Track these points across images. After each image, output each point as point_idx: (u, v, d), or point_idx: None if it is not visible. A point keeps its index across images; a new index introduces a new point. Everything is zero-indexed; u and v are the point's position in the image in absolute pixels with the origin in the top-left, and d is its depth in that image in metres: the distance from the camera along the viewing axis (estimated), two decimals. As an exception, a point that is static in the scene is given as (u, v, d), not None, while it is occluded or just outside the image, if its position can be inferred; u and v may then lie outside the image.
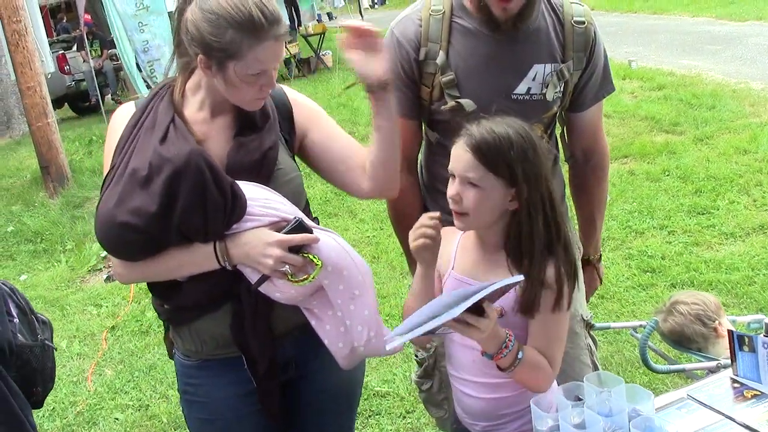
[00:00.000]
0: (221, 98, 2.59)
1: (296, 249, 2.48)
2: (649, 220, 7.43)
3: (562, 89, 3.05)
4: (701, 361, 3.72)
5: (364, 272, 2.60)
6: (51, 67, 16.94)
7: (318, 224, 2.77)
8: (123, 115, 2.69)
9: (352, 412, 3.13)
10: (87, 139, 13.77)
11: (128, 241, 2.46)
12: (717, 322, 3.81)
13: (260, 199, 2.53)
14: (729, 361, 2.78)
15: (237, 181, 2.49)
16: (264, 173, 2.61)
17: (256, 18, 2.39)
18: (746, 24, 15.55)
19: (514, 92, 2.98)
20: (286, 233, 2.49)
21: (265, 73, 2.50)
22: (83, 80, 19.03)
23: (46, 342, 3.08)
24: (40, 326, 3.09)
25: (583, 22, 3.03)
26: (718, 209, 7.47)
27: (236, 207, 2.47)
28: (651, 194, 7.89)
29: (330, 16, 25.86)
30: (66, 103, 20.60)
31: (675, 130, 9.68)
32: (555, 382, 2.57)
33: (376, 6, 32.78)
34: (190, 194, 2.40)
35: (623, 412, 2.21)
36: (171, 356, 2.95)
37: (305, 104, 2.88)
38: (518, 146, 2.42)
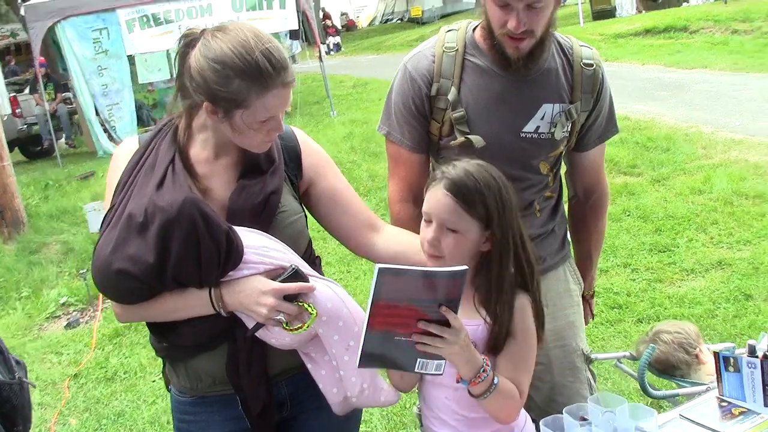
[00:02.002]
0: (226, 139, 2.58)
1: (292, 297, 2.47)
2: (612, 258, 7.57)
3: (569, 129, 3.13)
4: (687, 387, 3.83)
5: (360, 323, 2.50)
6: (7, 108, 16.89)
7: (320, 263, 2.81)
8: (126, 150, 2.69)
9: None
10: (43, 183, 13.63)
11: (124, 287, 2.46)
12: (698, 349, 3.93)
13: (258, 246, 2.52)
14: (714, 384, 2.90)
15: (236, 227, 2.48)
16: (266, 217, 2.61)
17: (263, 67, 2.38)
18: (693, 71, 15.85)
19: (523, 130, 3.06)
20: (281, 281, 2.48)
21: (274, 119, 2.50)
22: (35, 124, 18.70)
23: (24, 380, 3.07)
24: (15, 365, 3.09)
25: (592, 65, 3.13)
26: (677, 247, 7.67)
27: (231, 255, 2.46)
28: (613, 234, 8.02)
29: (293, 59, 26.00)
30: (17, 147, 20.15)
31: (633, 172, 9.87)
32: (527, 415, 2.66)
33: (332, 53, 32.95)
34: (184, 244, 2.40)
35: (629, 429, 2.30)
36: (168, 389, 2.94)
37: (315, 150, 2.89)
38: (493, 188, 2.49)
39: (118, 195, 2.55)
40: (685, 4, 25.11)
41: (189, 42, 2.49)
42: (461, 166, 2.51)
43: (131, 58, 16.17)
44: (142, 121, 17.16)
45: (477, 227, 2.47)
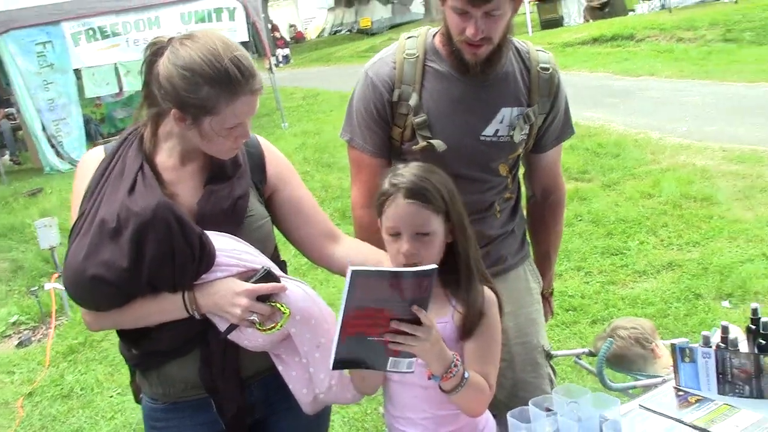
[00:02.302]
0: (192, 146, 2.60)
1: (264, 298, 2.51)
2: (566, 262, 7.66)
3: (527, 131, 3.20)
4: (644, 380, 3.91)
5: (330, 321, 2.62)
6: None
7: (286, 266, 2.84)
8: (91, 159, 2.69)
9: None
10: (-15, 201, 13.49)
11: (99, 293, 2.46)
12: (653, 344, 4.01)
13: (229, 249, 2.55)
14: (672, 376, 2.98)
15: (206, 231, 2.50)
16: (235, 221, 2.63)
17: (232, 74, 2.40)
18: (641, 79, 16.08)
19: (483, 134, 3.12)
20: (254, 283, 2.51)
21: (241, 126, 2.53)
22: (-24, 140, 18.43)
23: None
24: None
25: (548, 69, 3.20)
26: (629, 250, 7.80)
27: (204, 258, 2.48)
28: (566, 238, 8.02)
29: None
30: None
31: (584, 178, 10.02)
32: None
33: (281, 65, 32.93)
34: (158, 247, 2.41)
35: (594, 417, 2.35)
36: (138, 401, 2.94)
37: (279, 158, 2.93)
38: (441, 180, 2.57)
39: (87, 202, 2.54)
40: (631, 13, 25.41)
41: (156, 50, 2.51)
42: (407, 172, 2.57)
43: (78, 72, 15.99)
44: (90, 136, 16.95)
45: (442, 221, 2.53)
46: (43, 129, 15.73)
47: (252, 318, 2.48)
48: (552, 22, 26.30)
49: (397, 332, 2.28)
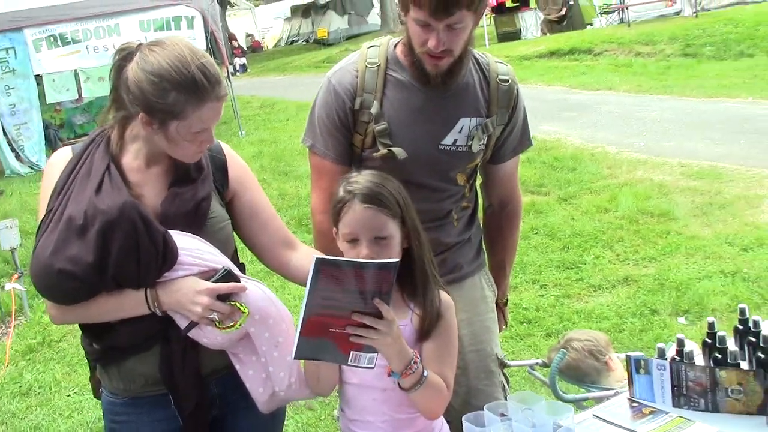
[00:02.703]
0: (158, 150, 2.66)
1: (224, 297, 2.56)
2: (521, 275, 7.68)
3: (485, 142, 3.24)
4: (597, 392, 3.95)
5: (288, 321, 2.70)
6: None
7: (245, 269, 2.89)
8: (59, 159, 2.75)
9: None
10: (-51, 202, 13.38)
11: (65, 287, 2.51)
12: (607, 356, 4.04)
13: (191, 249, 2.60)
14: (625, 389, 3.01)
15: (170, 231, 2.56)
16: (197, 222, 2.70)
17: (199, 80, 2.48)
18: (598, 93, 16.20)
19: (442, 143, 3.15)
20: (214, 282, 2.57)
21: (206, 131, 2.60)
22: (-61, 145, 18.38)
23: None
24: None
25: (507, 80, 3.24)
26: (585, 264, 7.83)
27: (167, 256, 2.54)
28: (522, 251, 8.08)
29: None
30: None
31: (540, 191, 10.05)
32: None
33: (238, 73, 32.85)
34: (124, 244, 2.48)
35: (547, 424, 2.39)
36: (97, 396, 2.98)
37: (240, 164, 2.99)
38: (394, 186, 2.64)
39: (55, 200, 2.60)
40: (589, 26, 25.57)
41: (125, 56, 2.57)
42: (362, 179, 2.64)
43: (39, 78, 15.99)
44: (49, 141, 16.93)
45: (398, 227, 2.59)
46: (4, 133, 15.70)
47: (212, 316, 2.54)
48: (509, 35, 26.51)
49: (359, 325, 2.32)
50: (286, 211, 10.00)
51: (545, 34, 26.01)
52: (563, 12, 25.91)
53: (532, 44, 23.43)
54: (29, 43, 15.33)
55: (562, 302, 7.07)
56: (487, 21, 26.19)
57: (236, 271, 2.69)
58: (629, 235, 8.35)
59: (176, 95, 2.48)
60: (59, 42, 15.48)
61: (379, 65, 3.15)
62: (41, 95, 16.22)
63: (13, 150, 15.91)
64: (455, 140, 3.17)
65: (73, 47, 15.52)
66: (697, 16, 21.93)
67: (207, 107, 2.54)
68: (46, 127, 16.89)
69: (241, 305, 2.57)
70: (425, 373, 2.47)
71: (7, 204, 12.48)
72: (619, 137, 12.15)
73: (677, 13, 23.76)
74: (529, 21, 26.98)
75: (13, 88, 15.60)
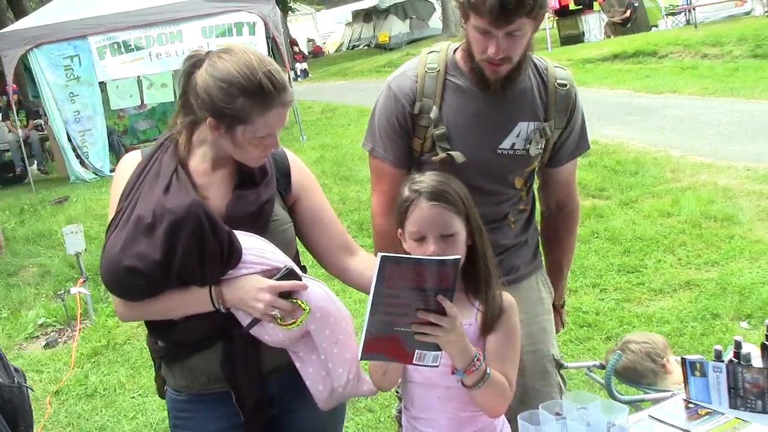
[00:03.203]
0: (224, 153, 2.75)
1: (286, 295, 2.64)
2: (581, 279, 7.67)
3: (543, 146, 3.27)
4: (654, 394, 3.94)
5: (347, 319, 2.78)
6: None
7: (307, 272, 2.94)
8: (129, 162, 2.85)
9: None
10: (18, 208, 13.56)
11: (132, 283, 2.59)
12: (665, 359, 4.04)
13: (255, 248, 2.68)
14: (682, 391, 3.01)
15: (234, 231, 2.63)
16: (261, 224, 2.78)
17: (266, 87, 2.57)
18: (661, 96, 16.03)
19: (500, 147, 3.20)
20: (277, 280, 2.64)
21: (272, 136, 2.68)
22: (8, 150, 18.56)
23: (22, 384, 3.17)
24: (13, 372, 3.18)
25: (566, 85, 3.27)
26: (646, 268, 7.77)
27: (232, 255, 2.62)
28: (582, 255, 8.12)
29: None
30: None
31: (601, 195, 9.98)
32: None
33: (299, 79, 33.04)
34: (190, 243, 2.56)
35: (602, 423, 2.40)
36: (161, 394, 3.06)
37: (303, 169, 3.07)
38: (458, 185, 2.70)
39: (124, 201, 2.70)
40: (654, 29, 25.32)
41: (195, 62, 2.67)
42: (427, 179, 2.71)
43: (102, 85, 16.12)
44: (112, 147, 17.09)
45: (463, 223, 2.64)
46: (69, 140, 15.90)
47: (274, 313, 2.62)
48: (572, 38, 26.27)
49: (424, 323, 2.36)
50: (347, 216, 10.06)
51: (609, 36, 25.77)
52: (627, 14, 25.67)
53: (595, 47, 23.20)
54: (93, 50, 15.47)
55: (623, 306, 7.04)
56: (549, 24, 26.04)
57: (298, 270, 2.75)
58: (691, 240, 8.27)
59: (243, 101, 2.56)
60: (123, 49, 15.61)
61: (439, 71, 3.20)
62: (105, 102, 16.35)
63: (77, 156, 16.07)
64: (513, 144, 3.21)
65: (136, 54, 15.65)
66: (768, 16, 21.53)
67: (273, 113, 2.62)
68: (109, 134, 17.03)
69: (302, 303, 2.64)
70: (488, 371, 2.51)
71: (72, 210, 12.65)
72: (683, 141, 12.01)
73: (747, 13, 23.43)
74: (593, 24, 26.76)
75: (77, 96, 15.73)
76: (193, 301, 2.67)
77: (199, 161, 2.79)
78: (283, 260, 2.73)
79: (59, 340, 8.25)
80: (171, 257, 2.56)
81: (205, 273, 2.62)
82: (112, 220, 2.70)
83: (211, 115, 2.61)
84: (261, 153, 2.74)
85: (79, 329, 8.27)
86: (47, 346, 8.14)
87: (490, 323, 2.64)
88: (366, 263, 3.01)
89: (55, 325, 8.62)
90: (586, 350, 6.26)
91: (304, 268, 2.98)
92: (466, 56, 3.14)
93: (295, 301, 2.65)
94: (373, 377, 2.75)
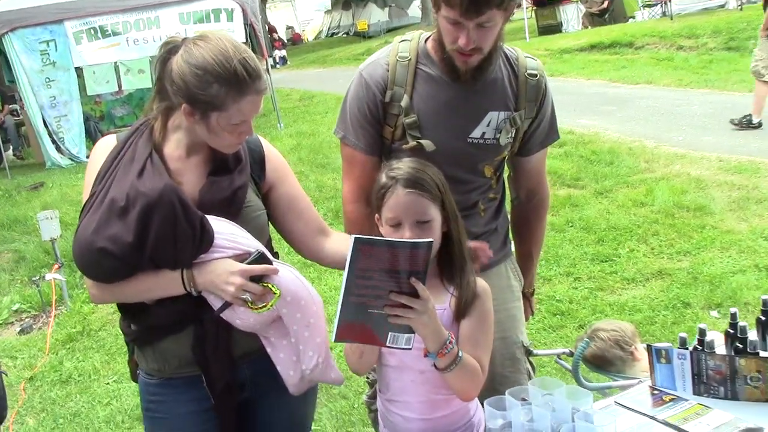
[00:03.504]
0: (198, 140, 2.78)
1: (257, 279, 2.66)
2: (555, 267, 7.75)
3: (513, 135, 3.31)
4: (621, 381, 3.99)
5: (318, 303, 2.81)
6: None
7: (279, 257, 2.98)
8: (104, 146, 2.87)
9: None
10: (-9, 193, 13.60)
11: (104, 265, 2.61)
12: (633, 347, 4.09)
13: (226, 233, 2.71)
14: (648, 378, 3.07)
15: (207, 216, 2.66)
16: (233, 210, 2.81)
17: (240, 74, 2.60)
18: (637, 87, 16.13)
19: (470, 136, 3.23)
20: (248, 264, 2.67)
21: (245, 123, 2.71)
22: (-19, 135, 18.61)
23: None
24: None
25: (536, 75, 3.31)
26: (619, 257, 7.86)
27: (204, 239, 2.65)
28: (556, 244, 8.21)
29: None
30: None
31: (576, 185, 10.04)
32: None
33: (278, 66, 32.95)
34: (162, 226, 2.58)
35: (566, 409, 2.44)
36: (134, 378, 3.10)
37: (277, 157, 3.10)
38: (434, 172, 2.73)
39: (98, 184, 2.72)
40: (631, 20, 25.42)
41: (170, 49, 2.69)
42: (404, 165, 2.73)
43: (79, 70, 16.10)
44: (89, 133, 17.03)
45: (438, 210, 2.68)
46: (45, 125, 15.85)
47: (245, 297, 2.65)
48: (550, 28, 26.35)
49: (396, 305, 2.39)
50: (324, 203, 10.14)
51: (586, 27, 25.88)
52: (605, 5, 25.79)
53: (573, 38, 23.28)
54: (70, 35, 15.40)
55: (596, 295, 7.11)
56: (528, 14, 26.10)
57: (269, 254, 2.80)
58: (664, 229, 8.36)
59: (218, 87, 2.59)
60: (99, 34, 15.54)
61: (410, 59, 3.23)
62: (81, 87, 16.34)
63: (53, 142, 16.02)
64: (483, 133, 3.24)
65: (113, 39, 15.58)
66: (742, 9, 21.64)
67: (247, 100, 2.65)
68: (86, 119, 16.98)
69: (273, 287, 2.67)
70: (460, 354, 2.55)
71: (48, 195, 12.63)
72: (658, 131, 12.11)
73: (722, 6, 23.56)
74: (571, 14, 26.82)
75: (53, 81, 15.68)
76: (165, 284, 2.69)
77: (173, 147, 2.81)
78: (254, 245, 2.76)
79: (34, 326, 8.26)
80: (144, 240, 2.58)
81: (177, 256, 2.65)
82: (86, 202, 2.72)
83: (185, 101, 2.63)
84: (235, 140, 2.76)
85: (54, 315, 8.26)
86: (22, 332, 8.15)
87: (463, 309, 2.67)
88: (340, 242, 3.07)
89: (29, 311, 8.62)
90: (559, 338, 6.33)
91: (276, 255, 3.03)
92: (437, 46, 3.16)
93: (266, 285, 2.67)
94: (349, 360, 2.77)
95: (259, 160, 3.01)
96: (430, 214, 2.65)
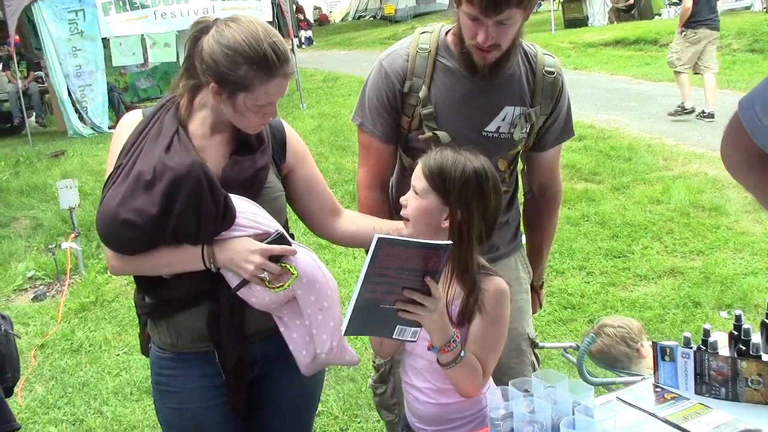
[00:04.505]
0: (222, 119, 2.82)
1: (275, 259, 2.70)
2: (569, 261, 7.77)
3: (527, 130, 3.35)
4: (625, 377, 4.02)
5: (333, 287, 2.83)
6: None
7: (295, 239, 3.00)
8: (130, 120, 2.91)
9: (311, 413, 3.32)
10: (13, 159, 13.64)
11: (127, 237, 2.65)
12: (640, 344, 4.12)
13: (248, 212, 2.75)
14: (651, 376, 3.10)
15: (229, 194, 2.71)
16: (254, 189, 2.85)
17: (269, 57, 2.64)
18: (660, 84, 16.09)
19: (485, 129, 3.27)
20: (267, 243, 2.71)
21: (271, 105, 2.76)
22: (6, 101, 18.58)
23: (9, 332, 3.24)
24: (0, 320, 3.25)
25: (553, 72, 3.34)
26: (633, 253, 7.87)
27: (227, 217, 2.69)
28: (571, 237, 8.23)
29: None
30: None
31: (594, 179, 10.06)
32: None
33: (303, 46, 32.96)
34: (187, 201, 2.62)
35: (568, 402, 2.48)
36: (144, 352, 3.15)
37: (299, 141, 3.16)
38: (462, 174, 2.71)
39: (124, 157, 2.76)
40: (657, 17, 25.29)
41: (202, 28, 2.74)
42: (447, 151, 2.78)
43: (105, 41, 16.13)
44: (112, 104, 17.14)
45: (436, 201, 2.71)
46: (69, 94, 15.95)
47: (263, 276, 2.68)
48: (576, 22, 26.27)
49: (408, 301, 2.45)
50: (342, 186, 10.12)
51: (612, 22, 25.78)
52: (632, 1, 25.69)
53: (599, 32, 23.19)
54: (99, 5, 15.46)
55: (607, 290, 7.14)
56: (555, 6, 26.03)
57: (288, 236, 2.84)
58: (679, 228, 8.37)
59: (247, 69, 2.63)
60: (128, 6, 15.60)
61: (430, 51, 3.26)
62: (107, 58, 16.41)
63: (76, 111, 16.13)
64: (498, 127, 3.28)
65: (141, 12, 15.65)
66: (767, 11, 21.49)
67: (274, 83, 2.70)
68: (110, 90, 17.08)
69: (291, 267, 2.71)
70: (462, 353, 2.60)
71: (68, 164, 12.70)
72: (678, 130, 12.10)
73: (747, 8, 23.39)
74: (597, 8, 26.71)
75: (80, 50, 15.81)
76: (186, 259, 2.73)
77: (198, 125, 2.85)
78: (274, 226, 2.80)
79: (47, 294, 8.34)
80: (168, 214, 2.62)
81: (200, 232, 2.68)
82: (110, 174, 2.76)
83: (214, 80, 2.68)
84: (259, 121, 2.81)
85: (68, 284, 8.35)
86: (35, 299, 8.23)
87: (468, 310, 2.70)
88: (351, 221, 3.20)
89: (44, 279, 8.70)
90: (569, 331, 6.35)
91: (292, 236, 3.05)
92: (457, 39, 3.20)
93: (283, 265, 2.71)
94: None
95: (281, 143, 3.06)
96: (423, 193, 2.73)
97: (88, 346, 6.97)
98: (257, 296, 2.75)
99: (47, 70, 16.58)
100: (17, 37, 17.02)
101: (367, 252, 2.41)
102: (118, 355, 6.76)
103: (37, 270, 8.82)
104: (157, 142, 2.74)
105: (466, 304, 2.70)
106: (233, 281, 2.74)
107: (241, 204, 2.75)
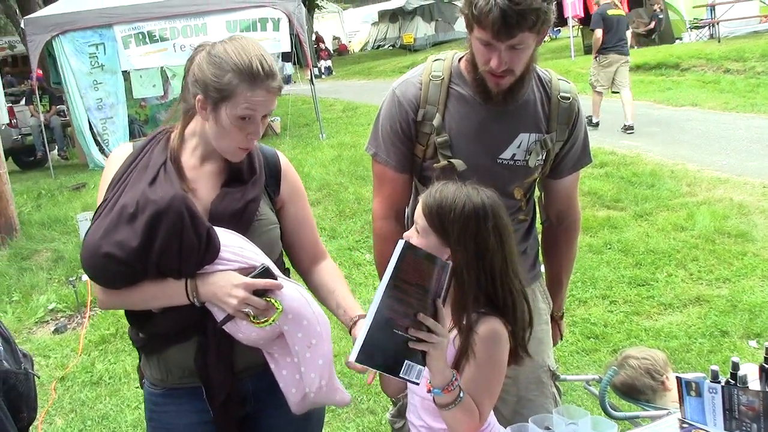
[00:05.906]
0: (211, 147, 2.81)
1: (261, 293, 2.66)
2: (591, 289, 7.67)
3: (543, 157, 3.29)
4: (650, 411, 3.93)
5: (322, 324, 2.78)
6: (5, 118, 16.90)
7: (289, 275, 2.99)
8: (120, 154, 2.91)
9: None
10: (36, 192, 13.73)
11: (110, 270, 2.63)
12: (665, 376, 4.02)
13: (234, 246, 2.71)
14: (677, 411, 3.01)
15: (216, 228, 2.68)
16: (244, 222, 2.83)
17: (255, 67, 2.65)
18: (682, 109, 16.01)
19: (500, 157, 3.22)
20: (252, 278, 2.67)
21: (253, 120, 2.73)
22: (29, 134, 18.87)
23: (29, 371, 3.20)
24: (21, 357, 3.21)
25: (569, 98, 3.29)
26: (657, 281, 7.76)
27: (209, 250, 2.66)
28: (593, 266, 8.14)
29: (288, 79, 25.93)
30: (10, 157, 20.02)
31: (616, 206, 9.96)
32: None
33: (323, 76, 33.11)
34: (169, 234, 2.60)
35: (590, 439, 2.41)
36: (141, 385, 3.12)
37: (295, 177, 3.15)
38: (460, 213, 2.60)
39: (111, 190, 2.76)
40: (678, 41, 25.23)
41: (199, 49, 2.77)
42: (449, 186, 2.69)
43: (126, 74, 16.30)
44: (133, 136, 17.18)
45: (436, 240, 2.62)
46: (90, 127, 16.06)
47: (246, 310, 2.64)
48: (596, 48, 26.20)
49: (420, 330, 2.38)
50: (361, 216, 10.15)
51: (633, 47, 25.63)
52: (652, 25, 25.64)
53: (619, 57, 23.10)
54: (118, 39, 15.57)
55: (631, 319, 7.03)
56: (574, 32, 26.00)
57: (276, 270, 2.78)
58: (704, 255, 8.24)
59: (231, 76, 2.64)
60: (147, 39, 15.71)
61: (443, 79, 3.23)
62: (128, 90, 16.54)
63: (97, 144, 16.23)
64: (513, 155, 3.23)
65: (161, 45, 15.76)
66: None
67: (257, 93, 2.68)
68: (131, 122, 17.21)
69: (275, 301, 2.66)
70: (461, 395, 2.52)
71: (89, 196, 12.72)
72: (701, 155, 12.01)
73: (772, 30, 23.34)
74: (617, 33, 26.68)
75: (101, 83, 15.88)
76: (170, 293, 2.70)
77: (189, 155, 2.86)
78: (261, 260, 2.76)
79: (68, 326, 8.33)
80: (150, 247, 2.60)
81: (182, 265, 2.66)
82: (98, 208, 2.76)
83: (200, 90, 2.69)
84: (243, 142, 2.77)
85: (89, 316, 8.34)
86: (56, 331, 8.22)
87: (461, 354, 2.61)
88: (324, 273, 3.19)
89: (65, 311, 8.69)
90: (592, 362, 6.25)
91: (287, 271, 3.05)
92: (470, 66, 3.16)
93: (268, 299, 2.67)
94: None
95: (275, 174, 3.04)
96: (423, 231, 2.65)
97: (107, 379, 6.94)
98: (243, 331, 2.71)
99: (68, 103, 16.65)
100: (39, 71, 17.13)
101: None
102: (138, 387, 6.61)
103: (58, 302, 8.82)
104: (144, 175, 2.74)
105: (461, 347, 2.62)
106: (219, 315, 2.71)
107: (227, 237, 2.72)
